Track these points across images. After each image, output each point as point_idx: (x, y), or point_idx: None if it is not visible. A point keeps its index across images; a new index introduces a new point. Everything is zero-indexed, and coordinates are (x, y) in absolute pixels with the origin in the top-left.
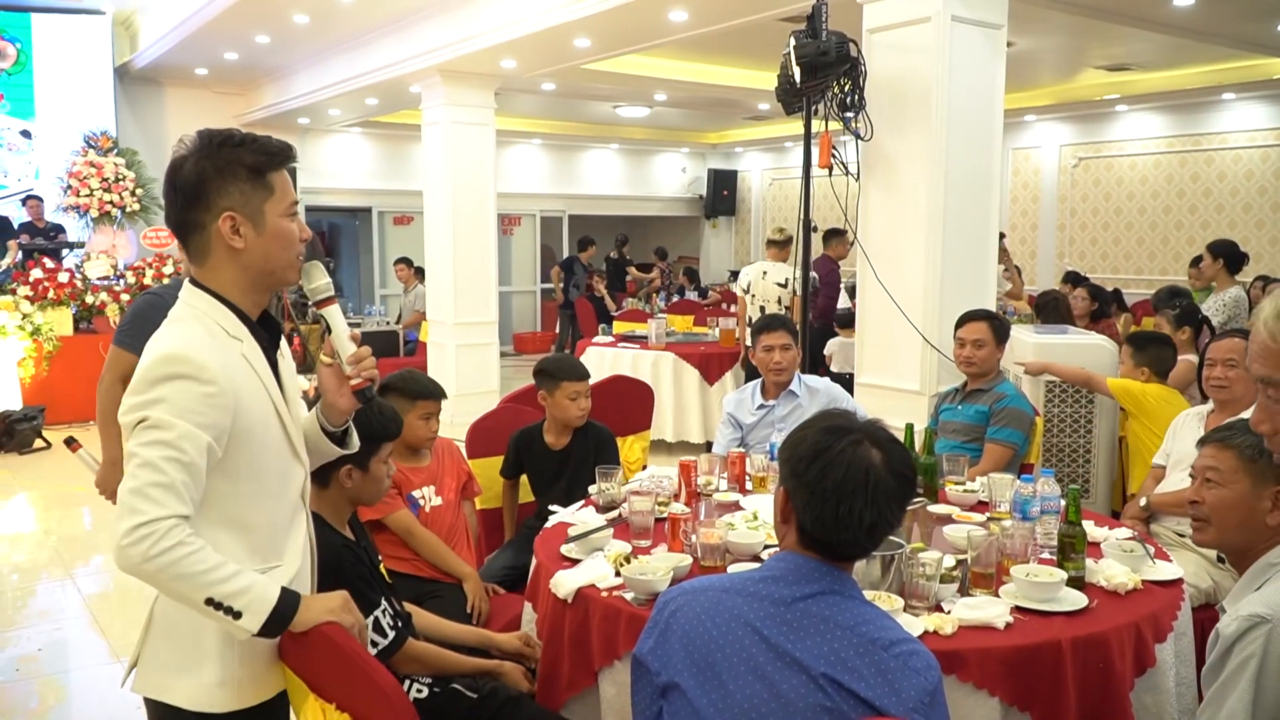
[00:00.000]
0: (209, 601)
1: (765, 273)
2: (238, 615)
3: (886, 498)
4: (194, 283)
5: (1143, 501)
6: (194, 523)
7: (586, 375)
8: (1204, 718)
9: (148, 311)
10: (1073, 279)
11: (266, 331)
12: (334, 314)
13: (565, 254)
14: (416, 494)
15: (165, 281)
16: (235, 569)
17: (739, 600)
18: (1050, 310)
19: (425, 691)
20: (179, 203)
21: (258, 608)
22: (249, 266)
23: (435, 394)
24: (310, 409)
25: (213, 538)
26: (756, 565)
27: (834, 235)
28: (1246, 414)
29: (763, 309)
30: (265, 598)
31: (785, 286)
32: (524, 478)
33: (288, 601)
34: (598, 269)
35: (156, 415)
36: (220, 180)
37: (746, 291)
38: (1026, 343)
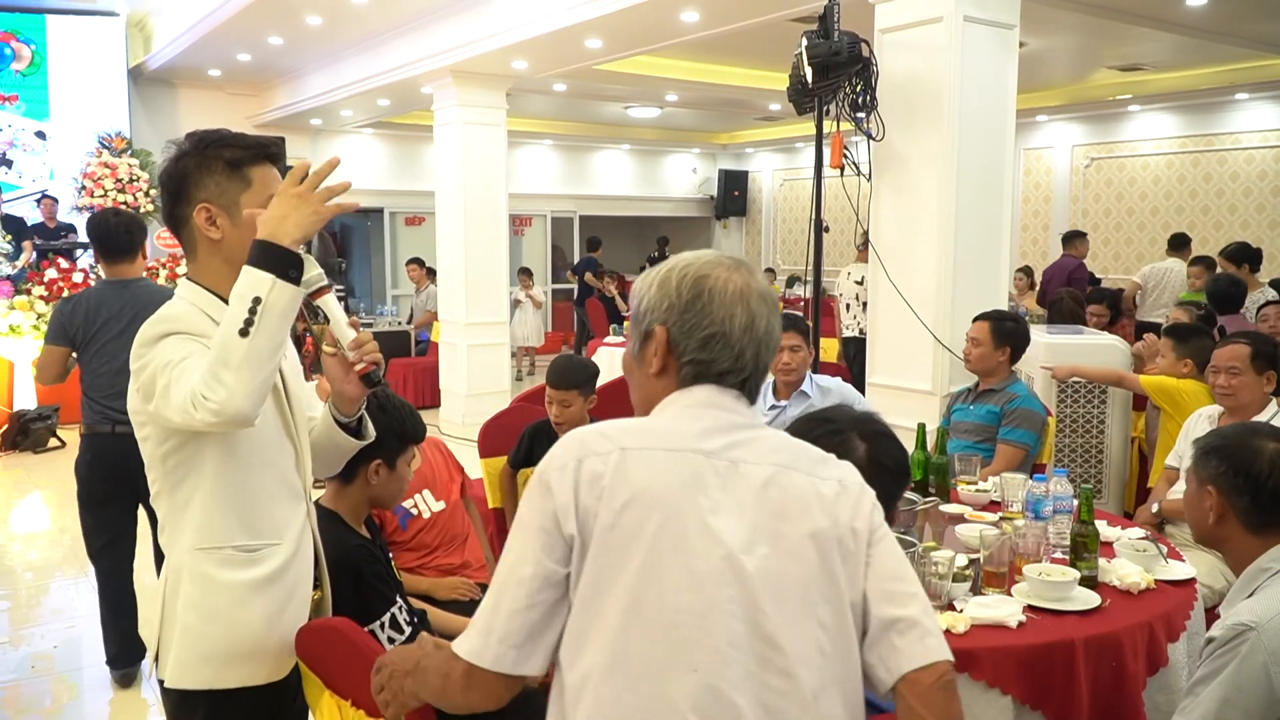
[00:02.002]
0: (244, 331)
1: (849, 273)
2: (259, 300)
3: (878, 483)
4: (187, 278)
5: (1154, 508)
6: (192, 498)
7: (567, 384)
8: (1183, 706)
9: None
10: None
11: None
12: (330, 303)
13: (576, 254)
14: (407, 504)
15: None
16: (224, 318)
17: None
18: (1058, 311)
19: None
20: (166, 200)
21: (250, 280)
22: (230, 259)
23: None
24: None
25: (210, 513)
26: None
27: (1074, 236)
28: (1260, 418)
29: (848, 307)
30: (240, 281)
31: (861, 284)
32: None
33: (252, 255)
34: (610, 270)
35: (160, 360)
36: (199, 175)
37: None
38: (1038, 343)
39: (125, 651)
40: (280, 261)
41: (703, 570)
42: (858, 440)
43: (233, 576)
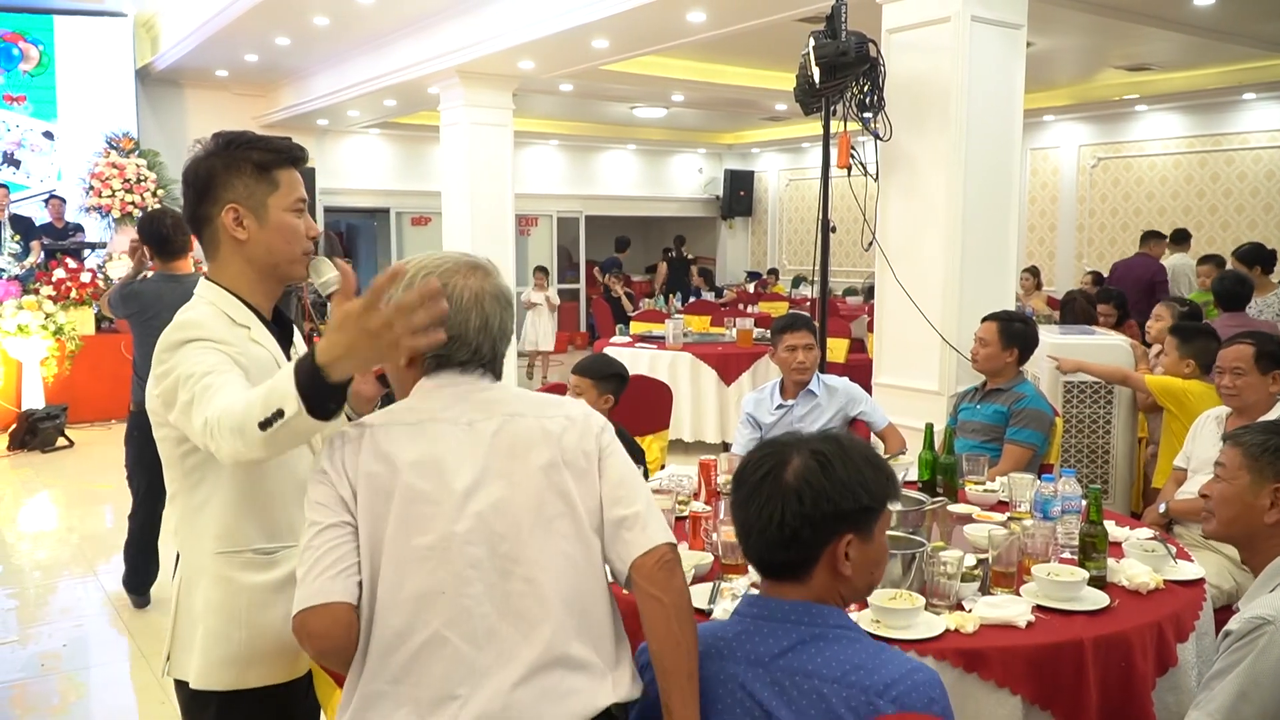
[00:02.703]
0: (263, 426)
1: None
2: (281, 414)
3: (780, 501)
4: (207, 278)
5: (1161, 508)
6: (209, 500)
7: (582, 370)
8: (1199, 700)
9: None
10: (1095, 277)
11: (279, 327)
12: None
13: (582, 254)
14: None
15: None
16: (260, 389)
17: (727, 665)
18: (1070, 310)
19: None
20: (191, 198)
21: (286, 389)
22: (253, 259)
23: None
24: None
25: (229, 516)
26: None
27: (1151, 236)
28: (1272, 414)
29: None
30: (284, 379)
31: None
32: None
33: (303, 365)
34: (615, 270)
35: (184, 369)
36: (227, 175)
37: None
38: (1044, 343)
39: (136, 577)
40: (322, 399)
41: (441, 513)
42: (796, 459)
43: (253, 579)
